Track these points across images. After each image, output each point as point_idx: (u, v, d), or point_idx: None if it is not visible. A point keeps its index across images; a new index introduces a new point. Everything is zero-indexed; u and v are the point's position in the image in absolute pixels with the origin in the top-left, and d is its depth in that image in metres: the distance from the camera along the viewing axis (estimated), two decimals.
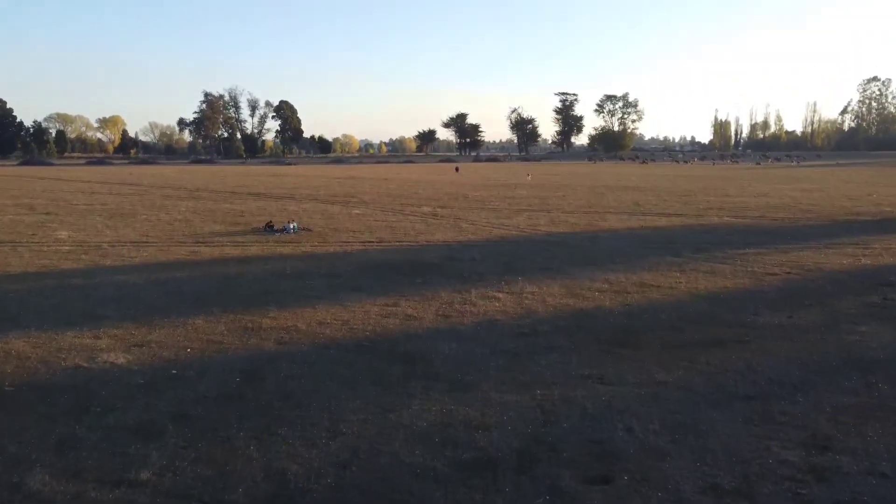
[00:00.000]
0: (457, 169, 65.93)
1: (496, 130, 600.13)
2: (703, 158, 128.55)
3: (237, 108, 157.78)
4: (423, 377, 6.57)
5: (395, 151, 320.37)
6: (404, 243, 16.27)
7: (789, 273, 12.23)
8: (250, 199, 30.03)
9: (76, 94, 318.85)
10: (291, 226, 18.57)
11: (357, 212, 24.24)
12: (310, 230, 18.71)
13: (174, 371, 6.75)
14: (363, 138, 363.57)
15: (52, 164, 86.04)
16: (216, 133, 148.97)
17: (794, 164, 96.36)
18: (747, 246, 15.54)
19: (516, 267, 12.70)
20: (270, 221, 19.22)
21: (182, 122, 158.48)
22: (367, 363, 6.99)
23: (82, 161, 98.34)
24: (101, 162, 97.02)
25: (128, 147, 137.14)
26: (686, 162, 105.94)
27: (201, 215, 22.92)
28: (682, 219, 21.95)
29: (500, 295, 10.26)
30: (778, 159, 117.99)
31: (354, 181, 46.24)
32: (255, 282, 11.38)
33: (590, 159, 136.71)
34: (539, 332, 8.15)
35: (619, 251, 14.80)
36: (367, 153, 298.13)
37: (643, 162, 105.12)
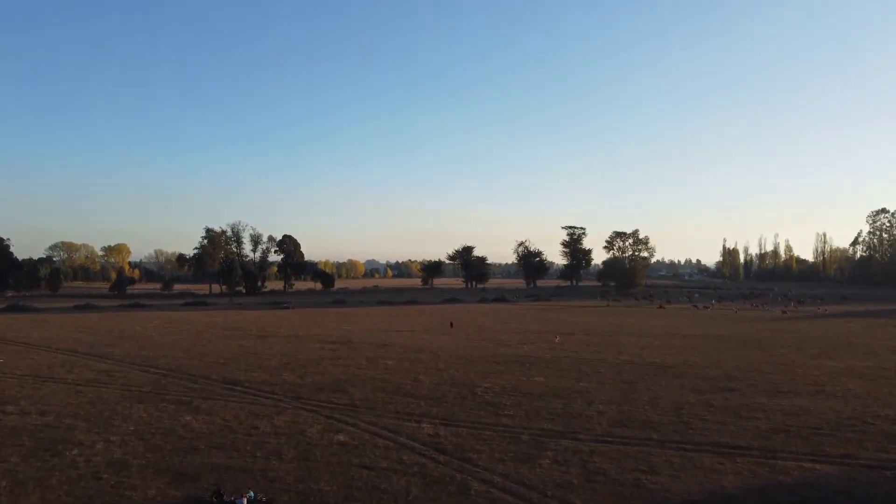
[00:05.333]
0: (451, 325, 61.58)
1: (502, 252, 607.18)
2: (721, 299, 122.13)
3: (239, 242, 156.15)
4: None
5: (400, 275, 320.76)
6: None
7: None
8: (220, 399, 25.56)
9: (84, 222, 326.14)
10: (244, 501, 14.01)
11: (341, 438, 19.89)
12: None
13: None
14: (369, 259, 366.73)
15: (36, 311, 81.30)
16: (215, 268, 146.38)
17: (821, 310, 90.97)
18: None
19: None
20: (219, 489, 14.71)
21: (182, 259, 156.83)
22: None
23: (70, 305, 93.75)
24: (88, 306, 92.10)
25: (124, 285, 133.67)
26: (706, 307, 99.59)
27: (146, 450, 18.53)
28: (749, 464, 17.29)
29: None
30: (801, 302, 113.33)
31: (350, 351, 41.79)
32: None
33: (602, 297, 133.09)
34: None
35: None
36: (373, 278, 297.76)
37: (660, 306, 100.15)
